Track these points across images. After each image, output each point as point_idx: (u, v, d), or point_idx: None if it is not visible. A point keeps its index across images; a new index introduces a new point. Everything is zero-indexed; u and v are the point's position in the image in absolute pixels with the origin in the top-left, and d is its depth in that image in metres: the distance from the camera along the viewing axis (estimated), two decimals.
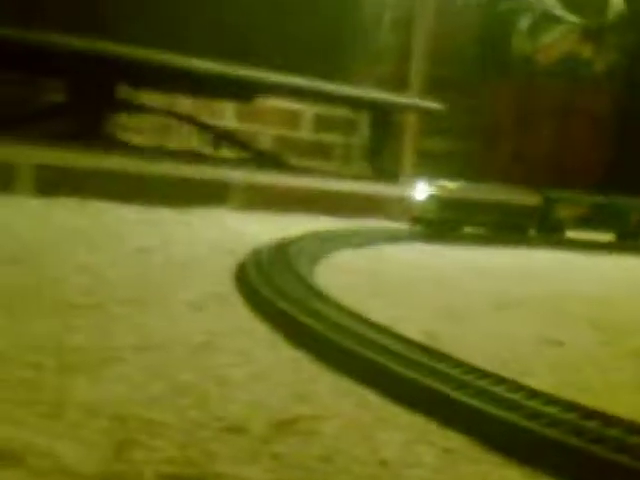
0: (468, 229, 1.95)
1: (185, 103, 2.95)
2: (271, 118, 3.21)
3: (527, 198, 2.02)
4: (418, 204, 1.82)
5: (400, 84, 3.28)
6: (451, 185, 1.91)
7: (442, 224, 1.84)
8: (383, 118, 2.74)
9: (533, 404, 0.64)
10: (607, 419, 0.63)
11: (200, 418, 0.58)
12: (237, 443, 0.54)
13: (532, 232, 2.06)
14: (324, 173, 2.62)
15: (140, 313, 0.85)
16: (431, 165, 3.34)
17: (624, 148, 3.02)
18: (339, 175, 2.65)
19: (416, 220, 1.85)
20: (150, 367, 0.68)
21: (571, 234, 2.10)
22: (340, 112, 3.33)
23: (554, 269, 1.68)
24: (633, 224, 2.19)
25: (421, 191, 1.83)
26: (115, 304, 0.87)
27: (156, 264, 1.12)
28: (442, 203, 1.83)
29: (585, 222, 2.10)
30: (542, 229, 2.06)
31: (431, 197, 1.81)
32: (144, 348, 0.73)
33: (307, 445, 0.55)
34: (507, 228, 1.96)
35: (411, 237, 1.79)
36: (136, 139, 2.80)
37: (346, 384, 0.70)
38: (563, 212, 2.03)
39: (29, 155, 1.69)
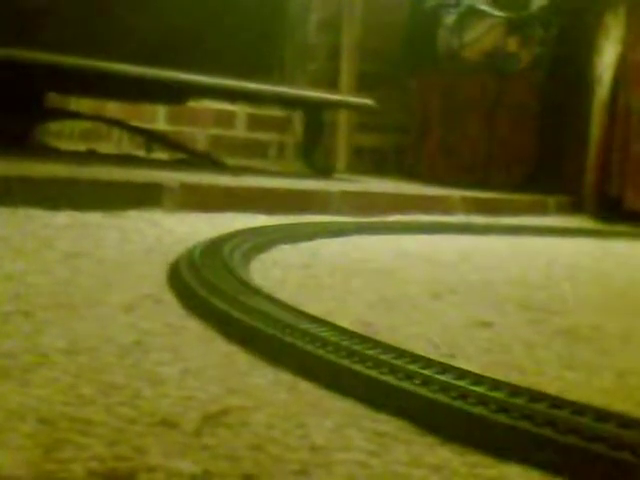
0: None
1: (115, 107, 2.92)
2: (204, 119, 3.19)
3: None
4: None
5: (331, 82, 3.30)
6: None
7: None
8: (315, 116, 2.75)
9: (462, 384, 0.65)
10: (534, 395, 0.64)
11: (131, 415, 0.57)
12: (168, 437, 0.54)
13: None
14: (259, 171, 2.62)
15: (70, 317, 0.84)
16: (365, 160, 3.37)
17: (550, 138, 3.10)
18: (274, 173, 2.66)
19: None
20: (80, 370, 0.67)
21: None
22: (273, 111, 3.33)
23: (486, 253, 1.72)
24: None
25: None
26: (44, 310, 0.86)
27: (86, 268, 1.11)
28: None
29: None
30: None
31: None
32: (73, 351, 0.72)
33: (238, 435, 0.55)
34: None
35: (347, 230, 1.81)
36: (66, 145, 2.76)
37: (279, 375, 0.70)
38: None
39: None
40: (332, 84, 3.29)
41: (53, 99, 2.62)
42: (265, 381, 0.68)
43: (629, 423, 0.59)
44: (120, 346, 0.75)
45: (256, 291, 0.96)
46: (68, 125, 2.86)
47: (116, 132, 2.92)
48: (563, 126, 3.11)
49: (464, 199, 2.52)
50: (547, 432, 0.59)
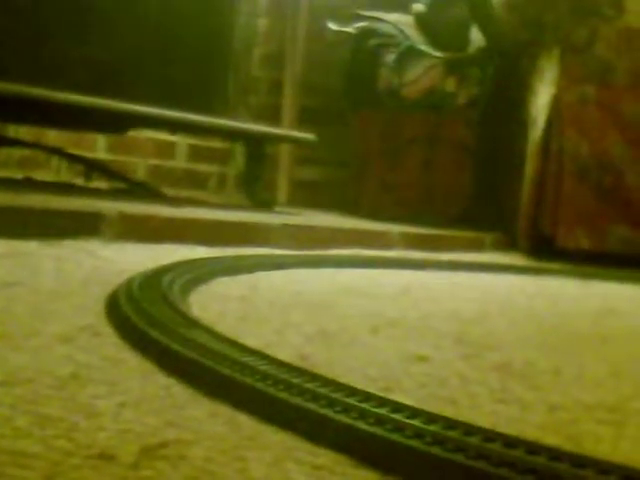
0: None
1: (55, 135, 2.88)
2: (145, 149, 3.18)
3: None
4: None
5: (274, 115, 3.32)
6: None
7: None
8: (257, 148, 2.77)
9: (398, 417, 0.67)
10: (468, 429, 0.66)
11: (67, 447, 0.57)
12: (105, 470, 0.54)
13: None
14: (200, 203, 2.62)
15: (5, 348, 0.83)
16: (305, 194, 3.40)
17: (486, 176, 3.17)
18: (215, 204, 2.65)
19: None
20: (16, 402, 0.66)
21: None
22: (215, 142, 3.34)
23: (423, 288, 1.74)
24: None
25: None
26: None
27: (23, 298, 1.09)
28: None
29: None
30: None
31: None
32: (9, 383, 0.71)
33: (176, 468, 0.55)
34: None
35: (286, 263, 1.82)
36: (3, 172, 2.71)
37: (217, 408, 0.70)
38: None
39: None
40: (274, 117, 3.31)
41: None
42: (203, 414, 0.68)
43: (559, 456, 0.61)
44: (57, 378, 0.74)
45: (195, 324, 0.96)
46: (5, 152, 2.82)
47: (55, 160, 2.88)
48: (499, 164, 3.19)
49: (403, 234, 2.56)
50: (480, 465, 0.61)
